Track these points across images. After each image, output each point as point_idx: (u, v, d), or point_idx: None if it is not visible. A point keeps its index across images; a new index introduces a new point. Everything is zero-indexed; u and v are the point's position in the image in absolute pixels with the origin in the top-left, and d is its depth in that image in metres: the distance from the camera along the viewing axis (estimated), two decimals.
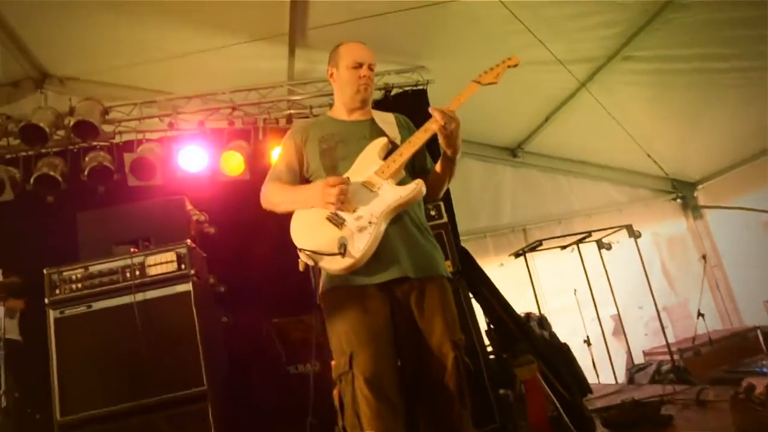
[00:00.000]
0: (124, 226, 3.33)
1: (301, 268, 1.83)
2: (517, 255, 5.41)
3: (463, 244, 5.85)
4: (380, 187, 1.86)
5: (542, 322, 4.33)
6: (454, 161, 1.95)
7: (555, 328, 5.61)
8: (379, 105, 4.89)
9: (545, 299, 5.69)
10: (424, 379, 1.79)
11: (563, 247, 5.54)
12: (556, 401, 2.44)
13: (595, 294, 5.34)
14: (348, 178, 1.85)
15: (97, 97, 4.32)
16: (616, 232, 5.32)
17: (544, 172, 6.25)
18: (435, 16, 4.17)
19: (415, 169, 2.02)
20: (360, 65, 2.02)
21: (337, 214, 1.81)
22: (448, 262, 2.97)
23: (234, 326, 3.54)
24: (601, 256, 5.40)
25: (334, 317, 1.82)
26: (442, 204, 3.23)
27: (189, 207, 3.42)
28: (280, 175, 2.03)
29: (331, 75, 2.12)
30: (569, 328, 5.29)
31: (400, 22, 4.25)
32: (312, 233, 1.82)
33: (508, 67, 2.09)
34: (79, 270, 2.70)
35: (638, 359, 5.56)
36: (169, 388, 2.54)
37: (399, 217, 1.86)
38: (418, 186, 1.85)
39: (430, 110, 1.86)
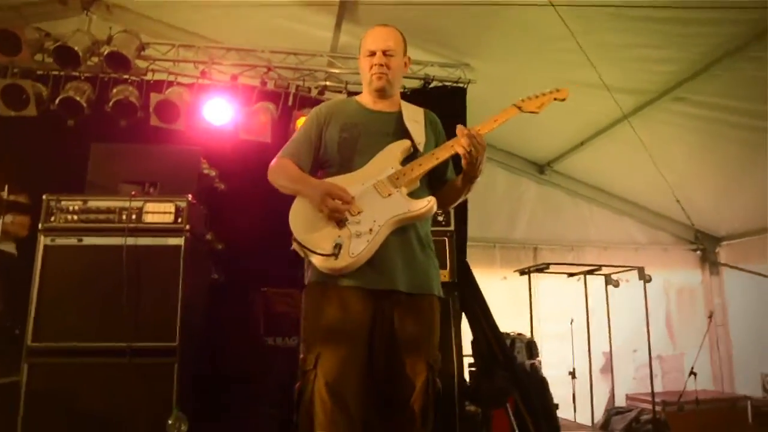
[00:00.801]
0: (135, 166, 3.33)
1: (292, 248, 1.78)
2: (522, 273, 5.32)
3: (470, 250, 5.77)
4: (391, 195, 1.79)
5: (530, 346, 4.24)
6: (473, 182, 1.89)
7: (543, 355, 5.54)
8: (415, 94, 4.83)
9: (540, 322, 5.59)
10: (392, 393, 1.74)
11: (570, 275, 5.43)
12: None
13: (591, 327, 5.24)
14: (353, 198, 1.76)
15: (136, 31, 4.29)
16: (626, 271, 5.19)
17: (567, 195, 6.10)
18: (488, 17, 4.03)
19: (432, 177, 1.94)
20: (372, 53, 1.92)
21: None
22: (445, 272, 2.90)
23: (223, 285, 3.53)
24: (607, 292, 5.30)
25: (313, 312, 1.77)
26: (452, 212, 3.15)
27: (202, 160, 3.39)
28: (295, 154, 1.94)
29: (359, 62, 2.04)
30: (558, 357, 5.22)
31: (452, 16, 4.13)
32: (310, 225, 1.76)
33: (555, 99, 2.00)
34: (78, 202, 2.70)
35: (620, 401, 5.47)
36: (142, 337, 2.54)
37: (403, 229, 1.79)
38: (429, 204, 1.79)
39: (458, 129, 1.79)
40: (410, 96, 4.87)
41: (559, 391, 5.22)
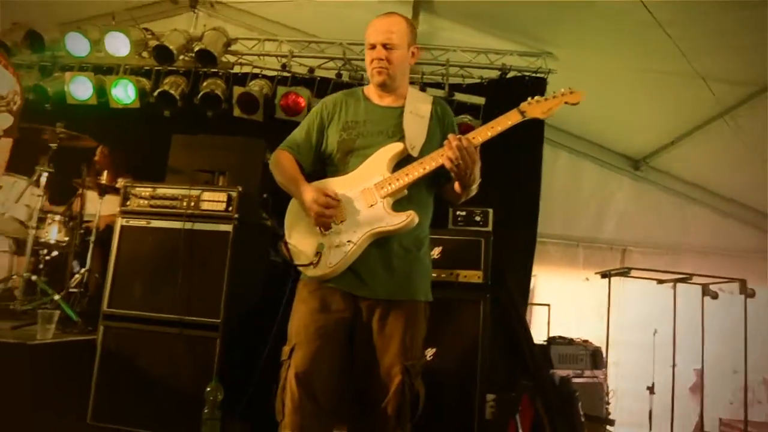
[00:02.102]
0: (208, 155, 3.66)
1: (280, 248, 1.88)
2: (603, 276, 4.99)
3: (549, 248, 5.59)
4: (373, 205, 1.79)
5: (595, 355, 4.01)
6: (466, 191, 1.84)
7: (620, 366, 5.19)
8: (491, 85, 4.71)
9: (622, 330, 5.23)
10: (369, 393, 1.79)
11: (660, 281, 4.99)
12: None
13: (679, 340, 4.79)
14: (339, 203, 1.79)
15: (224, 29, 4.65)
16: (726, 282, 4.66)
17: (665, 193, 5.54)
18: (573, 4, 3.78)
19: (431, 179, 1.87)
20: (372, 46, 1.88)
21: None
22: (479, 272, 2.85)
23: (282, 267, 3.76)
24: (703, 304, 4.79)
25: (297, 306, 1.86)
26: (491, 212, 3.07)
27: (266, 151, 3.63)
28: (294, 147, 1.96)
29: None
30: (636, 369, 4.86)
31: (534, 3, 3.93)
32: (298, 227, 1.84)
33: (566, 103, 1.84)
34: (149, 189, 3.04)
35: (712, 425, 4.96)
36: (192, 311, 2.83)
37: (386, 239, 1.80)
38: (408, 218, 1.76)
39: (448, 139, 1.72)
40: (486, 86, 4.76)
41: (632, 405, 4.88)
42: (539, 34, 4.45)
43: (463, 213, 3.04)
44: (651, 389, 4.66)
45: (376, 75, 1.89)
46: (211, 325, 2.82)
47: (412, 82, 4.67)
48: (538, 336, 4.39)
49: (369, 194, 1.81)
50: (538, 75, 4.57)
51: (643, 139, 5.24)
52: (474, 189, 1.88)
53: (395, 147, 1.85)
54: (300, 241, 1.82)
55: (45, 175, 3.62)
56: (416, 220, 1.78)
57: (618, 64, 4.29)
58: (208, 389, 2.64)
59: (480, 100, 4.49)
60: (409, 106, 1.92)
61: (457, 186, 1.84)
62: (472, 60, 4.71)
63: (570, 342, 4.04)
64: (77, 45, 4.59)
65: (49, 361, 2.82)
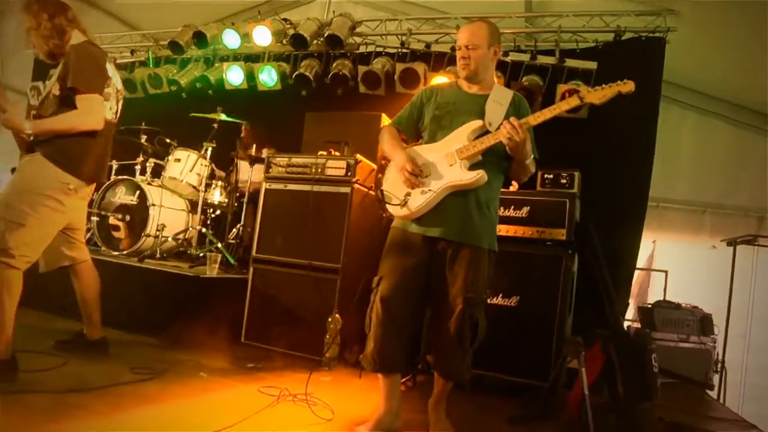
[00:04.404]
0: (335, 128, 4.28)
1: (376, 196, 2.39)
2: (729, 243, 4.77)
3: (671, 214, 5.43)
4: (453, 165, 2.23)
5: (704, 322, 3.97)
6: (521, 164, 2.23)
7: (750, 338, 4.92)
8: (606, 48, 4.66)
9: (753, 302, 4.97)
10: (440, 316, 2.25)
11: None
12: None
13: None
14: (422, 171, 2.24)
15: (350, 14, 5.19)
16: None
17: None
18: None
19: (503, 153, 2.23)
20: (459, 48, 2.31)
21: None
22: (562, 230, 3.08)
23: (387, 222, 4.27)
24: None
25: (387, 246, 2.35)
26: (577, 174, 3.23)
27: (381, 124, 4.13)
28: (397, 123, 2.48)
29: None
30: (757, 343, 4.62)
31: None
32: (393, 181, 2.34)
33: (620, 92, 2.10)
34: (285, 159, 3.72)
35: None
36: (318, 257, 3.46)
37: (464, 193, 2.21)
38: (478, 175, 2.17)
39: (504, 123, 2.12)
40: (601, 50, 4.71)
41: (759, 380, 4.67)
42: None
43: (551, 176, 3.27)
44: None
45: (462, 69, 2.34)
46: (332, 269, 3.44)
47: (524, 51, 4.84)
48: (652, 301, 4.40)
49: (450, 157, 2.24)
50: (655, 35, 4.44)
51: None
52: (529, 164, 2.26)
53: (476, 123, 2.27)
54: (393, 188, 2.31)
55: (210, 149, 4.53)
56: (485, 178, 2.18)
57: (753, 15, 4.01)
58: (329, 320, 3.27)
59: (592, 65, 4.50)
60: (493, 95, 2.33)
61: (514, 162, 2.25)
62: (585, 24, 4.71)
63: (677, 307, 4.03)
64: (231, 39, 5.49)
65: (215, 291, 3.68)
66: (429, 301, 2.30)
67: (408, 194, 2.25)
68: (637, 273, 4.86)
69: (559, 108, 2.14)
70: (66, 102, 2.48)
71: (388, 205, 2.31)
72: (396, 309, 2.20)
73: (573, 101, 2.14)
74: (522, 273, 3.12)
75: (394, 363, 2.25)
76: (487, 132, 2.23)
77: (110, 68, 2.66)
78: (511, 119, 2.11)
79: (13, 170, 2.47)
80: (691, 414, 3.16)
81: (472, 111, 2.30)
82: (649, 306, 4.08)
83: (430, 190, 2.22)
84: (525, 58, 4.71)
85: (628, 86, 2.08)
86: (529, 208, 3.21)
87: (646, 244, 4.98)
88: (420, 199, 2.22)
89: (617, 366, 2.65)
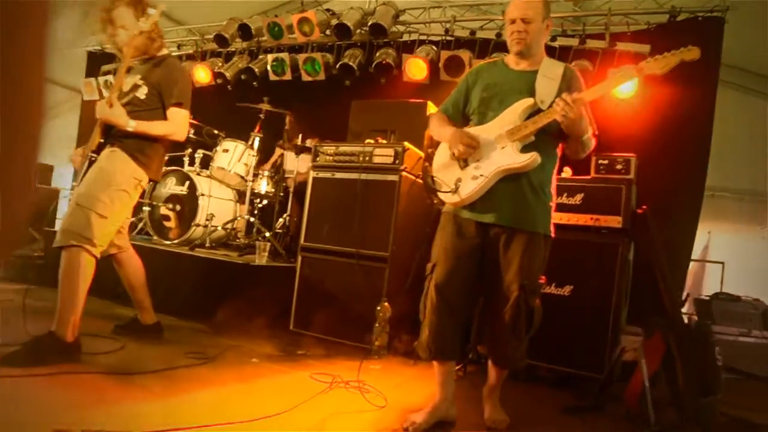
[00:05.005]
0: (381, 117, 4.26)
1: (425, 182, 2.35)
2: None
3: (728, 204, 5.20)
4: (504, 147, 2.14)
5: (766, 315, 3.80)
6: (577, 140, 2.13)
7: None
8: (660, 30, 4.48)
9: None
10: (494, 304, 2.20)
11: None
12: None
13: None
14: (478, 142, 2.16)
15: (393, 3, 5.15)
16: None
17: None
18: None
19: (557, 131, 2.16)
20: (513, 21, 2.18)
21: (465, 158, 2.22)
22: (618, 218, 2.98)
23: (437, 210, 4.23)
24: None
25: (439, 232, 2.31)
26: (633, 160, 3.11)
27: (427, 112, 4.09)
28: (444, 109, 2.42)
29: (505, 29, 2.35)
30: None
31: None
32: (443, 166, 2.28)
33: (683, 60, 1.99)
34: (332, 148, 3.72)
35: None
36: (366, 246, 3.46)
37: (517, 176, 2.13)
38: (532, 158, 2.08)
39: (557, 100, 2.04)
40: (653, 32, 4.54)
41: None
42: None
43: (606, 161, 3.15)
44: None
45: (515, 44, 2.20)
46: (380, 258, 3.43)
47: (572, 36, 4.73)
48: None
49: (501, 139, 2.15)
50: (713, 15, 4.24)
51: None
52: (586, 140, 2.15)
53: (526, 101, 2.17)
54: (443, 174, 2.26)
55: (257, 139, 4.59)
56: (539, 160, 2.09)
57: None
58: (378, 308, 3.27)
59: (644, 48, 4.33)
60: (543, 70, 2.21)
61: (570, 139, 2.15)
62: (637, 6, 4.54)
63: (737, 299, 3.86)
64: (275, 31, 5.52)
65: (263, 279, 3.73)
66: (483, 289, 2.25)
67: (459, 180, 2.18)
68: (690, 265, 4.69)
69: (617, 81, 2.04)
70: (153, 107, 2.66)
71: (439, 193, 2.25)
72: (451, 295, 2.17)
73: (631, 75, 2.03)
74: (576, 262, 3.03)
75: (450, 350, 2.22)
76: (539, 110, 2.13)
77: None
78: (564, 95, 2.01)
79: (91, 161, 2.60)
80: (755, 410, 3.02)
81: (522, 89, 2.19)
82: (707, 298, 3.92)
83: (481, 175, 2.15)
84: (573, 42, 4.58)
85: (692, 53, 1.95)
86: (582, 194, 3.11)
87: (701, 234, 4.78)
88: (471, 185, 2.16)
89: (678, 358, 2.56)
